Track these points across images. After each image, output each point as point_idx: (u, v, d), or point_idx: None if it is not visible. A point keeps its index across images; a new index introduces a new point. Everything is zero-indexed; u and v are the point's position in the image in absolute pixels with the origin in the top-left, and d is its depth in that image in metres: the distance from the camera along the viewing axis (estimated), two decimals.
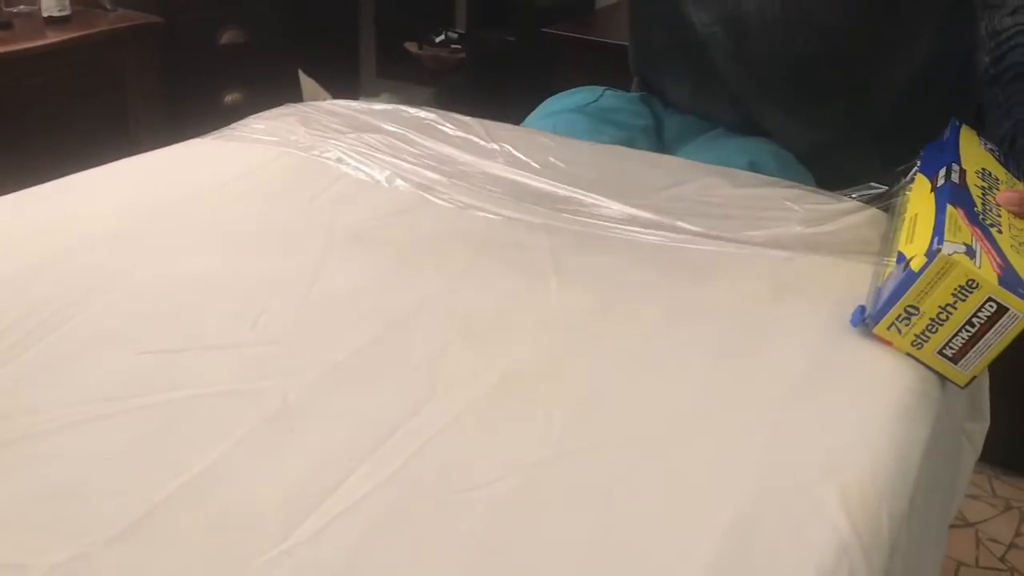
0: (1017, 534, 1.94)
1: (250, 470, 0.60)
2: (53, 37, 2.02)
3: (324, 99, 1.31)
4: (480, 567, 0.54)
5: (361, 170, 1.03)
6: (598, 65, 2.29)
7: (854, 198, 0.95)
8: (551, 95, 1.39)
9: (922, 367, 0.73)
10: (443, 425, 0.65)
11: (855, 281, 0.82)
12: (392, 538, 0.56)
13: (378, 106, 1.20)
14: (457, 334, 0.76)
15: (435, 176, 1.02)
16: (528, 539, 0.56)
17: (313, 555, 0.54)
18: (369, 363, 0.72)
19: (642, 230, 0.92)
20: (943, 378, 0.74)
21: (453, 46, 2.95)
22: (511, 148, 1.07)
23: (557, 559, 0.55)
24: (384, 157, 1.06)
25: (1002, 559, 1.87)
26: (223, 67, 2.48)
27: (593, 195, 0.98)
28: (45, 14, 2.07)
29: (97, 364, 0.71)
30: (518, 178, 1.01)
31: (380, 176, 1.02)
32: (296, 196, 0.98)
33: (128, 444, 0.62)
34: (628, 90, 1.37)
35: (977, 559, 1.87)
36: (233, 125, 1.18)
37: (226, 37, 2.45)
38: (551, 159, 1.04)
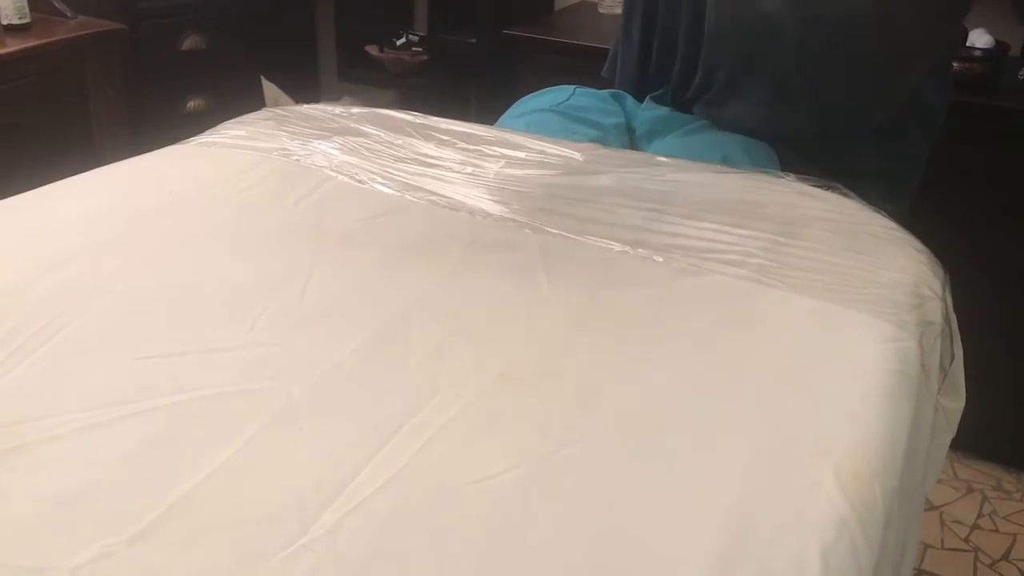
0: (980, 515, 1.99)
1: (263, 467, 0.61)
2: (13, 46, 1.99)
3: (287, 104, 1.32)
4: (493, 552, 0.56)
5: (344, 173, 1.04)
6: (560, 65, 2.32)
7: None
8: (514, 96, 1.40)
9: (902, 348, 0.76)
10: (447, 420, 0.66)
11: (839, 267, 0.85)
12: (407, 529, 0.57)
13: (355, 109, 1.20)
14: (453, 332, 0.77)
15: (418, 177, 1.03)
16: (537, 525, 0.58)
17: (333, 548, 0.55)
18: (370, 362, 0.73)
19: (625, 227, 0.94)
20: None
21: (414, 48, 2.95)
22: (490, 148, 1.08)
23: (566, 544, 0.57)
24: (366, 160, 1.07)
25: (966, 540, 1.92)
26: (185, 74, 2.46)
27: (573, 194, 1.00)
28: (4, 22, 2.04)
29: (99, 370, 0.71)
30: (501, 178, 1.03)
31: (364, 178, 1.03)
32: (282, 200, 0.99)
33: (141, 445, 0.63)
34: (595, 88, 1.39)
35: (942, 541, 1.91)
36: (211, 131, 1.18)
37: (187, 43, 2.44)
38: (530, 158, 1.06)
